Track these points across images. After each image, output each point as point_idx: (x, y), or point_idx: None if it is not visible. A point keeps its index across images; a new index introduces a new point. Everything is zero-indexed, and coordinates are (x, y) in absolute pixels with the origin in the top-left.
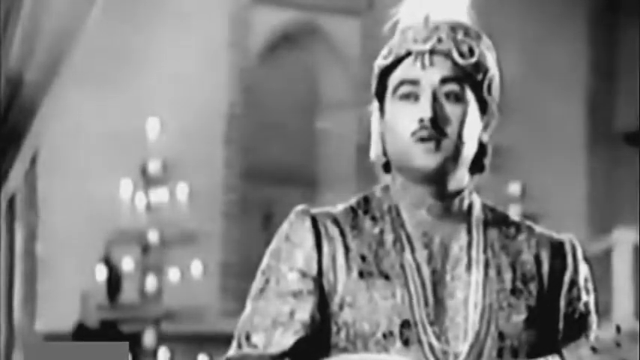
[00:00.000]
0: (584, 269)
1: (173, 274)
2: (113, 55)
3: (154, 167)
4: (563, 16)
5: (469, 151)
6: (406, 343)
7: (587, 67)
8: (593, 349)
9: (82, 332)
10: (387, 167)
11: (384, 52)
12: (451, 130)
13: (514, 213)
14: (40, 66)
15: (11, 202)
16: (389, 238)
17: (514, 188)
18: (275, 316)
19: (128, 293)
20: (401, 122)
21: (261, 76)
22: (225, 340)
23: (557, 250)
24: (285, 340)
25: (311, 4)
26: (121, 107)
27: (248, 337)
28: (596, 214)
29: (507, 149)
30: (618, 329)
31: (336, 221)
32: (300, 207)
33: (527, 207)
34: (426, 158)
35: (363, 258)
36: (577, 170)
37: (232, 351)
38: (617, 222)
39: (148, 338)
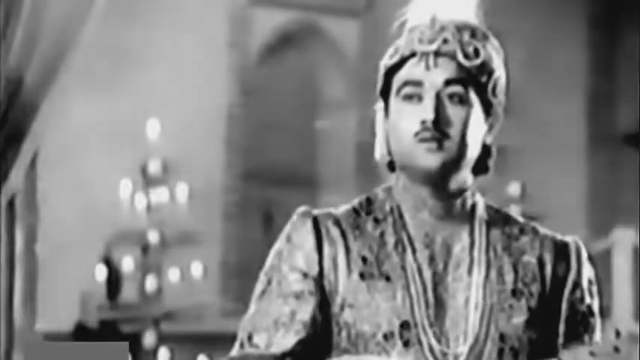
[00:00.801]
0: (588, 272)
1: (173, 275)
2: (113, 55)
3: (153, 167)
4: (563, 16)
5: (472, 152)
6: (406, 344)
7: (587, 67)
8: (592, 354)
9: (81, 332)
10: (391, 166)
11: (391, 51)
12: (454, 132)
13: (514, 213)
14: (40, 66)
15: (11, 202)
16: (390, 239)
17: (514, 188)
18: (276, 317)
19: (128, 293)
20: (404, 123)
21: (261, 76)
22: (225, 340)
23: (561, 251)
24: (287, 340)
25: (311, 5)
26: (121, 107)
27: (250, 337)
28: (596, 214)
29: (507, 149)
30: (617, 333)
31: (337, 222)
32: (302, 208)
33: (527, 207)
34: (428, 158)
35: (364, 259)
36: (577, 170)
37: (235, 351)
38: (617, 222)
39: (148, 338)
